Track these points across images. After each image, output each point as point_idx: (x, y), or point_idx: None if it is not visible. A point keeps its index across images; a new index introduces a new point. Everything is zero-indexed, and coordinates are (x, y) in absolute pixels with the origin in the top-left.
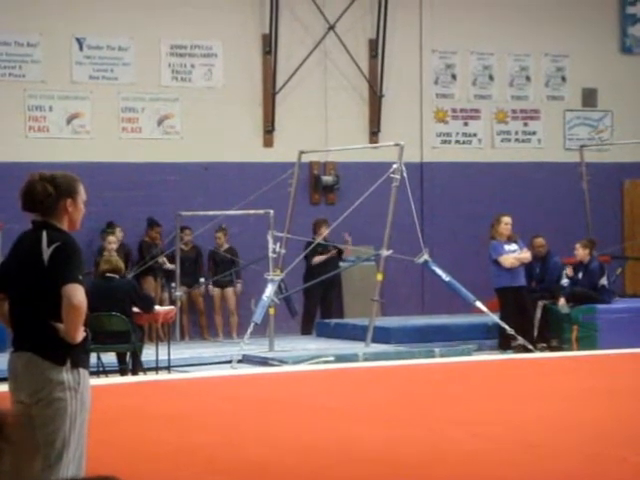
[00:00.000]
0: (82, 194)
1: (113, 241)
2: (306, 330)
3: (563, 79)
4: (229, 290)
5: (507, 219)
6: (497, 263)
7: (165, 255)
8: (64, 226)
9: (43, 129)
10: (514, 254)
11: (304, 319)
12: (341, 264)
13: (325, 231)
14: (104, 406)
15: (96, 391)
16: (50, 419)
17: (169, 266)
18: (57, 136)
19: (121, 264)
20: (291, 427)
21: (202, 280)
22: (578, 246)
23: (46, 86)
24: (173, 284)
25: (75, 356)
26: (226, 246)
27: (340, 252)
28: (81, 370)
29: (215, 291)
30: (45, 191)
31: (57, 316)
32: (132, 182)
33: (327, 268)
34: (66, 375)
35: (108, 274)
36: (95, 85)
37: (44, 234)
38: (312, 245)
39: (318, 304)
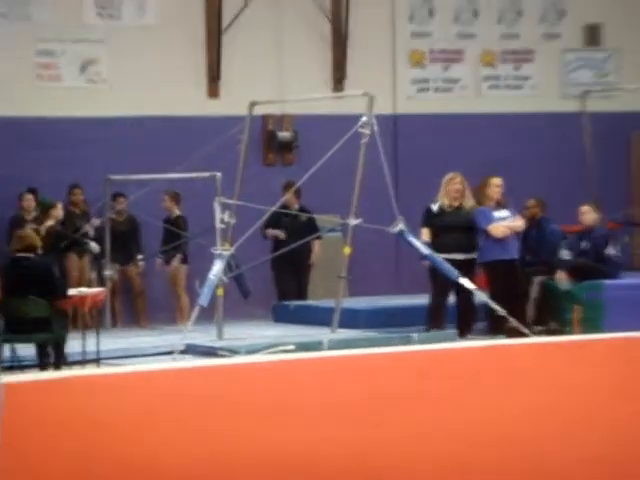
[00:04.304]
0: None
1: (31, 208)
2: None
3: (561, 14)
4: (174, 265)
5: (497, 181)
6: (485, 233)
7: (94, 227)
8: None
9: None
10: (505, 222)
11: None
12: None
13: (289, 196)
14: (20, 406)
15: (10, 389)
16: None
17: (94, 247)
18: None
19: (37, 240)
20: (243, 428)
21: (140, 257)
22: (587, 209)
23: None
24: (104, 261)
25: None
26: (177, 213)
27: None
28: None
29: (165, 268)
30: None
31: None
32: (50, 140)
33: (294, 242)
34: None
35: (20, 253)
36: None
37: None
38: (267, 213)
39: (294, 285)
